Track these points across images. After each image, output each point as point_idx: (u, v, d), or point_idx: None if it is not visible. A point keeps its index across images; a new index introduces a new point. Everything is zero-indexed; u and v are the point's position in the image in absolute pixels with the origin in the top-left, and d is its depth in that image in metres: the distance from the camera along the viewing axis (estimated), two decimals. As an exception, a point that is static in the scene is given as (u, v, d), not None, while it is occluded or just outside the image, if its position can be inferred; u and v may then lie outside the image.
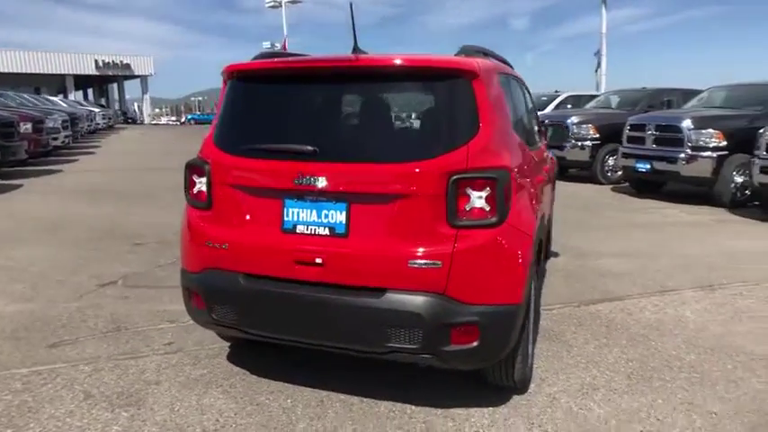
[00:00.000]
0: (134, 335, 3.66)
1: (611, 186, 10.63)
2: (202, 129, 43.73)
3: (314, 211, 2.47)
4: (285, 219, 2.52)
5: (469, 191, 2.31)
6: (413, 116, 2.58)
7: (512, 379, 2.75)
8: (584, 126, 10.67)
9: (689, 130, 8.38)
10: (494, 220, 2.33)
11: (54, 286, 4.61)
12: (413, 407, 2.76)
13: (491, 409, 2.74)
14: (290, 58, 2.65)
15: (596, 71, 23.92)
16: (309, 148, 2.44)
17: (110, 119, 34.98)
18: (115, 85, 56.67)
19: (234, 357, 3.31)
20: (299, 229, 2.49)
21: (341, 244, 2.42)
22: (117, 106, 53.19)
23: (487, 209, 2.32)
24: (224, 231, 2.64)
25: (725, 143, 8.17)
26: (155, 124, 55.38)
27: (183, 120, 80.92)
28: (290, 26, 36.39)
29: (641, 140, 9.08)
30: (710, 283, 4.72)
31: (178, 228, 2.96)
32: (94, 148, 19.52)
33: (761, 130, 7.35)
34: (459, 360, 2.45)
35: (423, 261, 2.31)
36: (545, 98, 14.61)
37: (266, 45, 43.92)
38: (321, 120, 2.69)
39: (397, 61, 2.45)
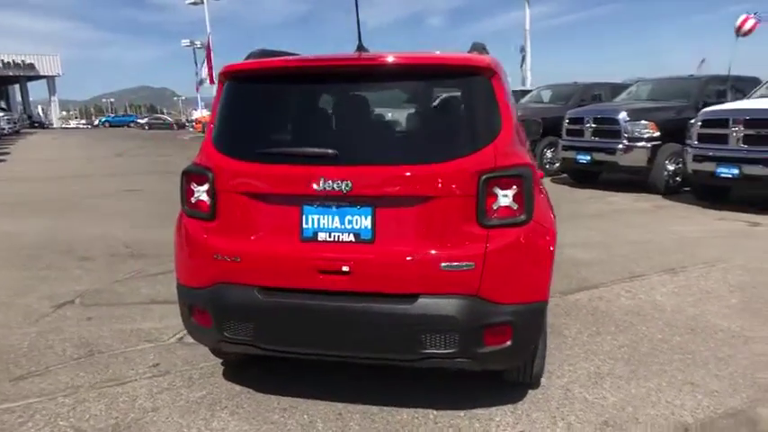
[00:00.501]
0: (112, 359, 3.36)
1: (550, 178, 11.08)
2: (120, 132, 41.39)
3: (336, 218, 2.36)
4: (304, 226, 2.39)
5: (497, 190, 2.29)
6: (436, 115, 2.50)
7: (530, 375, 2.77)
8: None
9: (625, 121, 8.89)
10: (522, 218, 2.32)
11: (1, 311, 4.16)
12: (435, 411, 2.71)
13: (511, 406, 2.75)
14: (302, 57, 2.50)
15: (521, 67, 24.88)
16: (331, 151, 2.32)
17: (15, 123, 32.33)
18: (17, 87, 52.32)
19: (231, 375, 3.12)
20: (321, 236, 2.37)
21: (367, 250, 2.32)
22: (20, 109, 49.11)
23: (515, 207, 2.31)
24: (234, 243, 2.46)
25: (658, 133, 8.73)
26: (65, 128, 51.70)
27: (95, 122, 76.09)
28: (211, 23, 34.96)
29: (580, 133, 9.55)
30: (671, 266, 5.01)
31: (127, 239, 2.74)
32: (4, 155, 17.95)
33: (691, 121, 7.91)
34: (492, 361, 2.43)
35: (455, 263, 2.27)
36: None
37: (185, 43, 42.09)
38: (339, 121, 2.57)
39: (420, 59, 2.38)
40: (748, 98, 8.26)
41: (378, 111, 2.60)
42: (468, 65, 2.39)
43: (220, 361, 3.27)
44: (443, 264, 2.26)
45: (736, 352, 3.30)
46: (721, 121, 7.43)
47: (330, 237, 2.36)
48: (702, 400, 2.78)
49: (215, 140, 2.58)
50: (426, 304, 2.28)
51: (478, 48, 2.65)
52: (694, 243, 5.89)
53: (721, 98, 9.38)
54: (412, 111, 2.54)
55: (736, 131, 7.20)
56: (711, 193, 8.00)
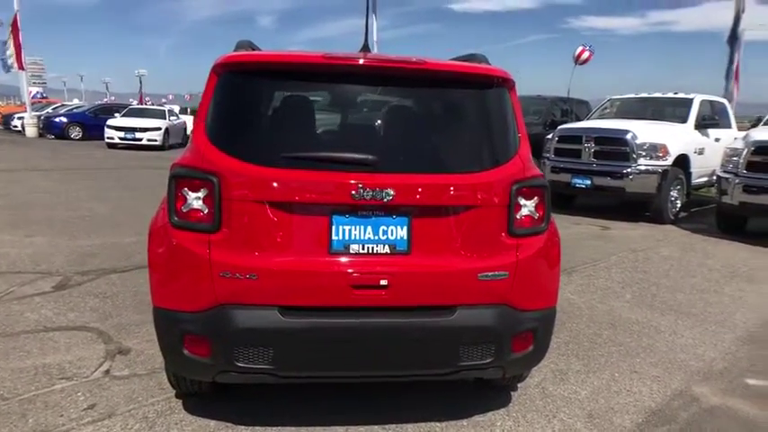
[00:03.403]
0: (28, 405, 2.71)
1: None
2: None
3: (369, 228, 2.20)
4: (333, 238, 2.17)
5: (522, 200, 2.35)
6: (468, 124, 2.45)
7: (520, 378, 2.87)
8: None
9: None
10: (543, 227, 2.41)
11: None
12: (439, 423, 2.68)
13: (504, 410, 2.83)
14: (326, 53, 2.26)
15: None
16: (371, 157, 2.15)
17: None
18: None
19: (197, 409, 2.72)
20: (353, 248, 2.18)
21: (404, 262, 2.21)
22: None
23: (536, 216, 2.39)
24: (248, 258, 2.15)
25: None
26: None
27: None
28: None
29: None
30: (563, 267, 5.58)
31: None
32: None
33: (548, 136, 8.92)
34: (516, 367, 2.47)
35: (491, 273, 2.27)
36: None
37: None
38: (371, 126, 2.38)
39: (452, 66, 2.33)
40: (588, 118, 9.56)
41: (408, 116, 2.46)
42: (494, 75, 2.40)
43: (171, 394, 2.84)
44: (480, 274, 2.25)
45: (654, 341, 3.82)
46: (575, 138, 8.52)
47: (363, 249, 2.19)
48: (652, 386, 3.16)
49: (217, 140, 2.23)
50: (465, 315, 2.24)
51: (481, 59, 2.68)
52: (568, 245, 6.64)
53: (564, 117, 10.74)
54: (443, 118, 2.46)
55: (588, 147, 8.31)
56: (563, 201, 9.10)
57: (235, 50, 2.69)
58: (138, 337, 3.55)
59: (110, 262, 5.19)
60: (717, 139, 8.79)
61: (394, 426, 2.64)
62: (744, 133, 7.82)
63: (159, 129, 19.47)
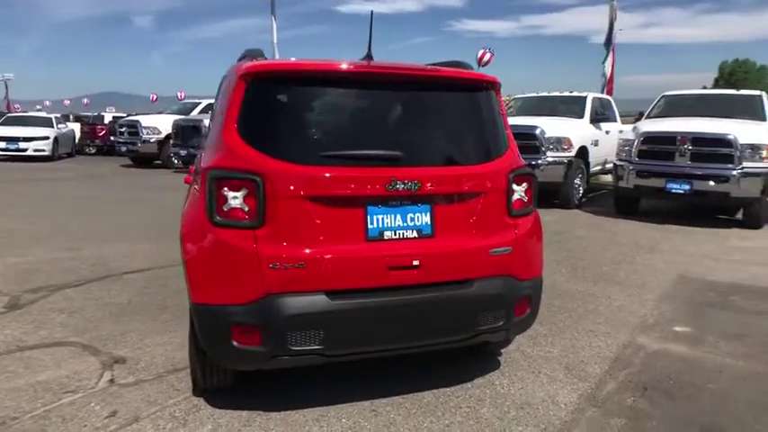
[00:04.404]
0: (44, 421, 2.67)
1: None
2: None
3: (398, 216, 2.48)
4: (369, 226, 2.44)
5: (515, 186, 2.76)
6: (471, 121, 2.78)
7: (505, 343, 3.29)
8: None
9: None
10: (531, 208, 2.84)
11: None
12: (448, 388, 3.01)
13: (498, 371, 3.24)
14: (351, 61, 2.48)
15: None
16: (400, 153, 2.44)
17: None
18: None
19: (224, 403, 2.82)
20: (387, 235, 2.46)
21: (430, 244, 2.52)
22: None
23: (526, 200, 2.81)
24: (295, 248, 2.34)
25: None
26: None
27: None
28: None
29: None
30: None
31: None
32: None
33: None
34: (517, 330, 2.87)
35: (499, 248, 2.65)
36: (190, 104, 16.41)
37: None
38: (393, 125, 2.64)
39: (456, 73, 2.69)
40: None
41: (424, 116, 2.73)
42: (488, 80, 2.79)
43: (188, 394, 2.92)
44: (491, 250, 2.63)
45: (595, 305, 4.44)
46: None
47: (395, 235, 2.48)
48: (606, 340, 3.73)
49: (254, 142, 2.39)
50: (482, 286, 2.60)
51: (466, 65, 3.05)
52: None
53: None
54: (453, 117, 2.77)
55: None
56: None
57: (243, 58, 2.86)
58: (126, 346, 3.52)
59: (57, 278, 4.94)
60: (607, 132, 9.99)
61: (411, 395, 2.94)
62: (631, 126, 9.01)
63: (47, 138, 17.96)
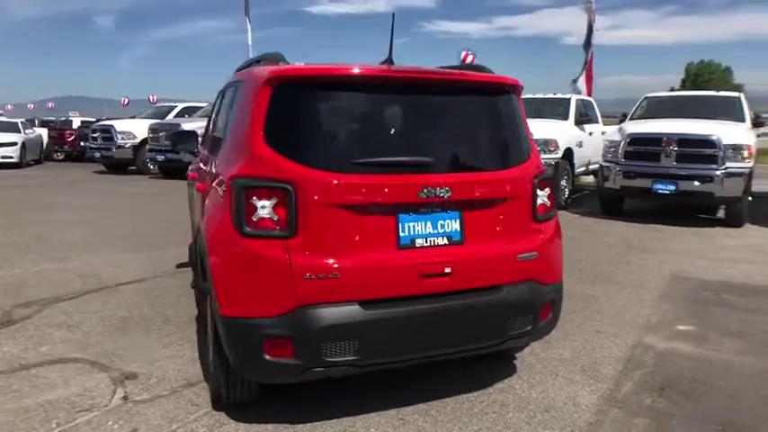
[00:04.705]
0: (63, 441, 2.56)
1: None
2: None
3: (428, 223, 2.47)
4: (401, 234, 2.42)
5: (539, 191, 2.78)
6: (496, 126, 2.78)
7: (521, 348, 3.31)
8: (199, 132, 12.42)
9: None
10: (553, 213, 2.86)
11: None
12: (471, 394, 3.01)
13: (516, 376, 3.25)
14: (378, 66, 2.45)
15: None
16: (432, 159, 2.43)
17: None
18: None
19: (247, 416, 2.76)
20: (418, 242, 2.45)
21: (460, 251, 2.51)
22: None
23: (548, 204, 2.83)
24: (328, 258, 2.31)
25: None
26: None
27: None
28: None
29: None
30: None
31: None
32: None
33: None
34: (541, 333, 2.88)
35: (527, 254, 2.67)
36: (165, 108, 17.00)
37: None
38: (421, 131, 2.62)
39: (484, 77, 2.69)
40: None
41: (450, 120, 2.71)
42: (512, 84, 2.80)
43: (208, 408, 2.85)
44: (519, 255, 2.64)
45: (599, 306, 4.51)
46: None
47: (426, 242, 2.46)
48: (615, 341, 3.79)
49: (284, 150, 2.34)
50: (510, 292, 2.61)
51: (486, 69, 3.05)
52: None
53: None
54: (480, 121, 2.76)
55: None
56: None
57: (253, 63, 2.82)
58: (136, 361, 3.41)
59: (48, 291, 4.77)
60: (590, 134, 10.18)
61: (435, 402, 2.93)
62: (616, 127, 9.19)
63: (15, 144, 17.36)
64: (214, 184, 2.83)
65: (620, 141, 8.05)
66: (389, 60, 2.80)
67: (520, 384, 3.15)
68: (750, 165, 7.42)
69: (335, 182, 2.32)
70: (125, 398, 2.97)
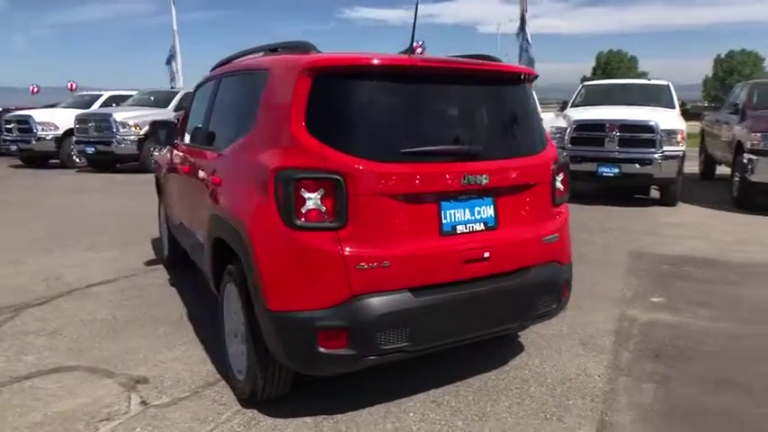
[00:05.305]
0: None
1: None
2: None
3: (467, 210, 2.55)
4: (443, 221, 2.48)
5: (556, 176, 2.92)
6: (519, 114, 2.86)
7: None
8: (131, 122, 12.26)
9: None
10: (567, 197, 3.02)
11: None
12: (491, 373, 3.15)
13: (525, 354, 3.43)
14: (417, 56, 2.45)
15: (168, 64, 23.96)
16: (472, 147, 2.50)
17: None
18: None
19: (282, 411, 2.74)
20: (459, 229, 2.52)
21: (495, 236, 2.61)
22: None
23: (562, 189, 2.99)
24: (379, 248, 2.33)
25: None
26: None
27: None
28: None
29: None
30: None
31: None
32: None
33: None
34: (560, 311, 3.04)
35: (550, 236, 2.83)
36: (88, 96, 16.14)
37: None
38: (458, 119, 2.67)
39: (509, 67, 2.79)
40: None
41: (483, 109, 2.76)
42: (531, 74, 2.91)
43: (237, 407, 2.80)
44: (545, 238, 2.78)
45: (578, 284, 4.70)
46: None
47: (466, 228, 2.54)
48: (603, 315, 4.06)
49: (330, 140, 2.32)
50: (538, 273, 2.76)
51: (496, 59, 3.13)
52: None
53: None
54: (507, 110, 2.82)
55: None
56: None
57: (279, 50, 2.77)
58: (139, 364, 3.26)
59: (12, 297, 4.41)
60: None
61: (460, 383, 3.04)
62: (555, 114, 9.67)
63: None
64: (237, 177, 2.74)
65: (567, 128, 8.49)
66: (411, 50, 2.83)
67: (532, 360, 3.33)
68: (683, 148, 8.08)
69: (384, 172, 2.34)
70: (144, 403, 2.85)
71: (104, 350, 3.46)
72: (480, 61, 2.80)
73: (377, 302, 2.32)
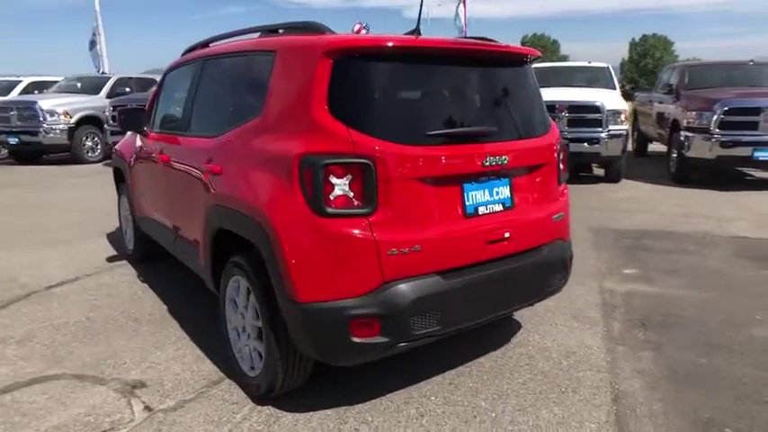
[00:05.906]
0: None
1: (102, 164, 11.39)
2: None
3: (486, 191, 2.54)
4: (466, 203, 2.47)
5: (559, 156, 2.98)
6: (527, 94, 2.85)
7: None
8: (60, 110, 11.49)
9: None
10: (567, 176, 3.09)
11: None
12: (494, 351, 3.20)
13: (524, 330, 3.50)
14: (435, 38, 2.37)
15: (92, 50, 22.46)
16: (494, 128, 2.48)
17: None
18: None
19: (300, 405, 2.66)
20: (481, 210, 2.51)
21: (512, 215, 2.63)
22: None
23: (562, 167, 3.05)
24: (410, 233, 2.28)
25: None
26: None
27: None
28: None
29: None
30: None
31: None
32: None
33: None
34: (563, 286, 3.11)
35: (558, 215, 2.88)
36: (6, 83, 14.77)
37: None
38: (476, 101, 2.62)
39: (518, 49, 2.78)
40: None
41: (498, 91, 2.71)
42: (535, 55, 2.92)
43: (250, 403, 2.70)
44: (554, 216, 2.83)
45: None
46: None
47: (487, 209, 2.54)
48: (586, 289, 4.21)
49: (357, 124, 2.22)
50: (550, 250, 2.81)
51: (493, 41, 3.12)
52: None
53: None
54: (519, 91, 2.79)
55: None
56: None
57: (298, 32, 2.63)
58: (132, 367, 3.06)
59: (-38, 304, 3.98)
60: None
61: (471, 363, 3.07)
62: None
63: None
64: (246, 164, 2.59)
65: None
66: (417, 31, 2.77)
67: (532, 336, 3.41)
68: (626, 127, 8.50)
69: (412, 155, 2.28)
70: (148, 408, 2.67)
71: (86, 355, 3.21)
72: (496, 43, 2.79)
73: (409, 288, 2.28)
